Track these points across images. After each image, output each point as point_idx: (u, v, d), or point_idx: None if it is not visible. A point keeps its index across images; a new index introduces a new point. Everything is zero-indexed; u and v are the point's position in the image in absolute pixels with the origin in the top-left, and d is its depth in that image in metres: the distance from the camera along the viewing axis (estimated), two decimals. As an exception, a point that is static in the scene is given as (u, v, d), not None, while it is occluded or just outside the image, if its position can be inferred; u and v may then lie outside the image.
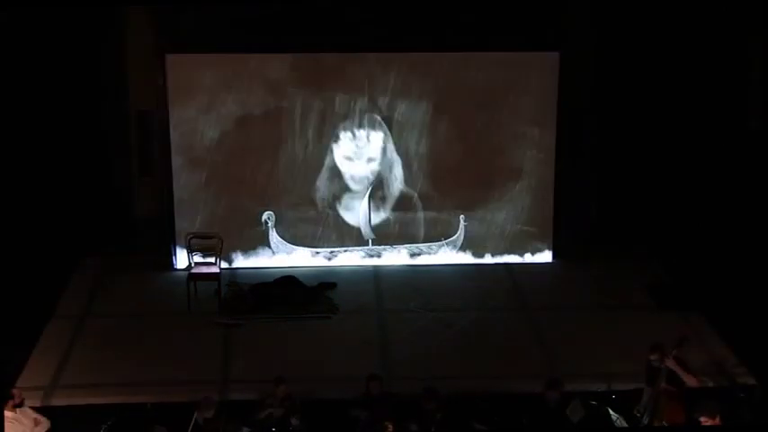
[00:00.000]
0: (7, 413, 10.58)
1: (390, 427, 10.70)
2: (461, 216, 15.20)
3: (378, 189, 14.99)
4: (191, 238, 14.45)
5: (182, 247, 14.71)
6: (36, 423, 11.05)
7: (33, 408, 11.30)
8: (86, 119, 15.04)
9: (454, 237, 15.28)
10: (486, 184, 15.16)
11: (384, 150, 14.76)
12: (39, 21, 13.94)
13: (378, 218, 15.08)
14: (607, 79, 15.15)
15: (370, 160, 14.85)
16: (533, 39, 14.75)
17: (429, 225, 15.21)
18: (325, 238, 15.19)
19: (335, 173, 14.89)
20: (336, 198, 15.01)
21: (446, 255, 15.28)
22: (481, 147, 15.05)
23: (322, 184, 14.89)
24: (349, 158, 14.80)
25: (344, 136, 14.71)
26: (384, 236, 15.21)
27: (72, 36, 14.53)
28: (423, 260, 15.29)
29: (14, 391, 10.98)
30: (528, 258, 15.36)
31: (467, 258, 15.31)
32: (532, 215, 15.27)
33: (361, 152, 14.68)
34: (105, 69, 15.08)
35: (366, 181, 14.85)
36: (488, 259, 15.34)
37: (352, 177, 14.81)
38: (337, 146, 14.75)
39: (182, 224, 14.91)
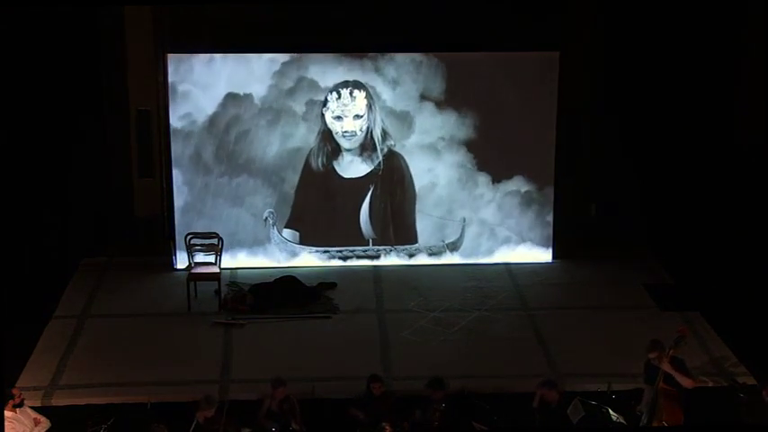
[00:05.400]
0: (7, 413, 10.59)
1: (389, 427, 10.71)
2: (462, 218, 15.21)
3: (368, 144, 15.00)
4: (191, 239, 14.45)
5: (182, 247, 14.71)
6: (36, 423, 11.05)
7: (33, 408, 11.30)
8: (86, 119, 15.05)
9: (455, 239, 15.29)
10: (485, 184, 15.16)
11: (369, 107, 14.80)
12: (39, 20, 13.93)
13: (366, 169, 15.09)
14: (607, 79, 15.16)
15: (357, 117, 14.86)
16: (533, 39, 14.76)
17: (430, 225, 15.26)
18: (326, 237, 15.21)
19: (327, 135, 14.92)
20: (332, 159, 15.00)
21: (446, 256, 15.30)
22: (481, 146, 15.05)
23: (317, 147, 14.93)
24: (338, 117, 14.85)
25: (331, 98, 14.77)
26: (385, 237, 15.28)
27: (72, 36, 14.54)
28: (423, 260, 15.30)
29: (14, 391, 10.97)
30: (528, 258, 15.36)
31: (467, 258, 15.31)
32: (532, 215, 15.26)
33: (347, 110, 14.76)
34: (105, 69, 15.09)
35: (356, 137, 14.88)
36: (488, 259, 15.34)
37: (344, 134, 14.85)
38: (326, 109, 14.80)
39: (182, 224, 14.92)
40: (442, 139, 15.02)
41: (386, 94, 14.84)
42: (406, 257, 15.29)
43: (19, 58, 13.73)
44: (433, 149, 15.05)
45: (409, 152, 15.06)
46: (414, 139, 15.02)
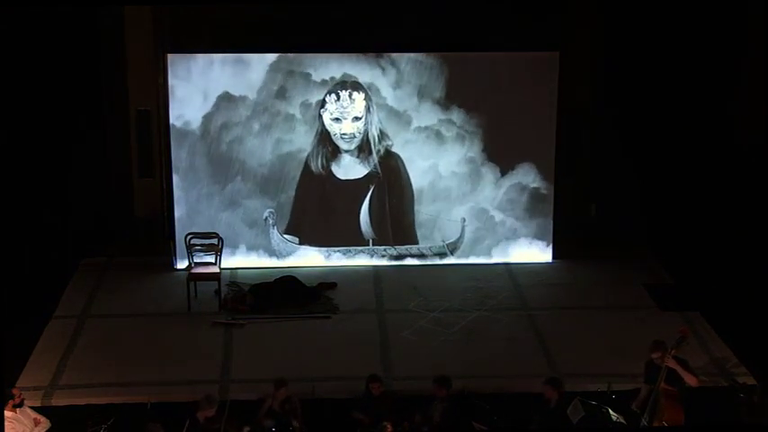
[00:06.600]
0: (7, 413, 10.59)
1: (390, 427, 10.72)
2: (462, 218, 15.21)
3: (365, 146, 14.98)
4: (191, 239, 14.45)
5: (182, 247, 14.70)
6: (36, 423, 11.05)
7: (33, 408, 11.30)
8: (87, 119, 15.05)
9: (455, 239, 15.29)
10: (485, 183, 15.17)
11: (368, 109, 14.82)
12: (39, 20, 13.93)
13: (363, 170, 15.09)
14: (607, 79, 15.17)
15: (356, 119, 14.87)
16: (533, 39, 14.76)
17: (430, 225, 15.27)
18: (325, 238, 15.20)
19: (326, 136, 14.92)
20: (330, 160, 15.01)
21: (446, 257, 15.30)
22: (481, 146, 15.05)
23: (315, 149, 14.93)
24: (337, 119, 14.86)
25: (330, 99, 14.78)
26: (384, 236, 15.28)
27: (72, 36, 14.54)
28: (423, 260, 15.29)
29: (14, 391, 10.98)
30: (528, 258, 15.36)
31: (467, 258, 15.31)
32: (532, 215, 15.27)
33: (346, 112, 14.77)
34: (105, 69, 15.09)
35: (355, 139, 14.89)
36: (488, 259, 15.34)
37: (342, 137, 14.85)
38: (324, 110, 14.80)
39: (182, 224, 14.92)
40: (442, 138, 15.02)
41: (386, 93, 14.83)
42: (406, 257, 15.29)
43: (19, 59, 13.72)
44: (432, 148, 15.05)
45: (409, 152, 15.06)
46: (413, 138, 15.02)
